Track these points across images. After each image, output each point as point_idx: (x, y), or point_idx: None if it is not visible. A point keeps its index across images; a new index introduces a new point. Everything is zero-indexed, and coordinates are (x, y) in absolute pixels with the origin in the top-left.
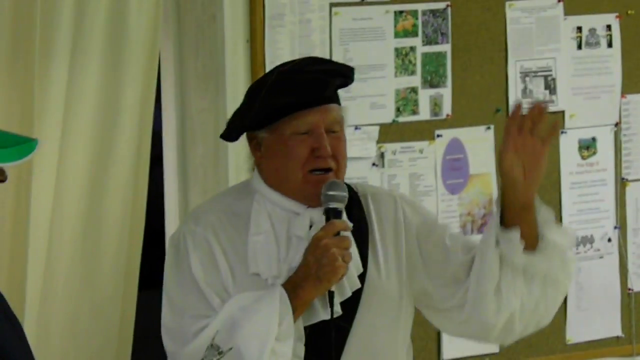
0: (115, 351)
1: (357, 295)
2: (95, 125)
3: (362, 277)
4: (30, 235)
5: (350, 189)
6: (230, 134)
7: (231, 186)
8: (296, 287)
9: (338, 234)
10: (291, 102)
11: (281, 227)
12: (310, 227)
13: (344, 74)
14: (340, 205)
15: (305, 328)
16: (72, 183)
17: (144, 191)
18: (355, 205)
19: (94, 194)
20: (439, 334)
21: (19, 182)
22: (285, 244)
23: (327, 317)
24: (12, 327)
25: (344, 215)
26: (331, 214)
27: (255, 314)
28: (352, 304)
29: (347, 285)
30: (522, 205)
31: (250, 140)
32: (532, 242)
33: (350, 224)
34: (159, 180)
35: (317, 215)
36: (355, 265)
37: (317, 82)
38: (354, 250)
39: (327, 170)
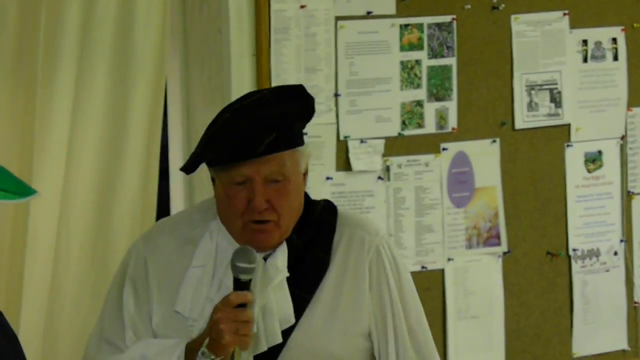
0: None
1: (276, 350)
2: (102, 139)
3: (290, 330)
4: (37, 249)
5: (331, 214)
6: (187, 165)
7: (202, 202)
8: (193, 350)
9: (244, 305)
10: (222, 157)
11: (222, 265)
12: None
13: (287, 124)
14: (247, 277)
15: None
16: (79, 197)
17: (153, 205)
18: (323, 241)
19: (101, 207)
20: (445, 347)
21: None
22: (217, 287)
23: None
24: (9, 343)
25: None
26: (239, 286)
27: None
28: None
29: (264, 340)
30: None
31: (210, 171)
32: None
33: (251, 297)
34: (165, 194)
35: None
36: (283, 318)
37: (250, 138)
38: (284, 301)
39: (265, 222)
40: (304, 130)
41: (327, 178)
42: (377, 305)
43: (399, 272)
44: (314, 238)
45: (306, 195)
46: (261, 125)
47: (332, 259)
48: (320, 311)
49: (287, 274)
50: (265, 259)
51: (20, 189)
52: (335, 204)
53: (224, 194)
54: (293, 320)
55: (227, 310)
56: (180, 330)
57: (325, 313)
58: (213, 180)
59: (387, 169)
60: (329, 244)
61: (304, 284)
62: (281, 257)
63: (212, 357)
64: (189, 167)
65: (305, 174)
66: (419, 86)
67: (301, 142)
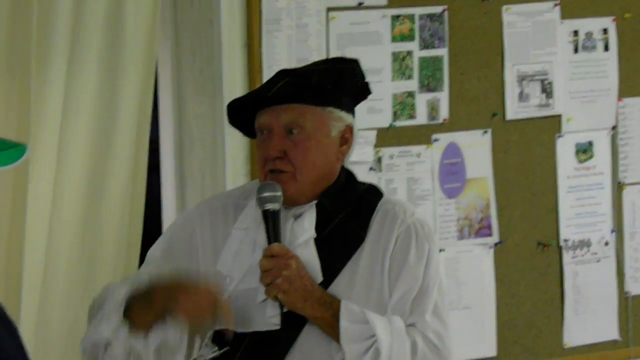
0: None
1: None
2: (92, 132)
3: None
4: (27, 243)
5: (374, 196)
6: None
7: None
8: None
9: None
10: (245, 100)
11: (261, 226)
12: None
13: (304, 75)
14: (276, 206)
15: (246, 336)
16: (69, 190)
17: (142, 198)
18: (361, 217)
19: (91, 201)
20: None
21: (15, 190)
22: (253, 246)
23: (262, 328)
24: (9, 334)
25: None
26: (267, 216)
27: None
28: (299, 317)
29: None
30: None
31: None
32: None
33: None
34: (156, 187)
35: (284, 218)
36: (311, 275)
37: (266, 84)
38: (312, 260)
39: (280, 172)
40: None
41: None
42: (393, 272)
43: (424, 253)
44: (352, 213)
45: (351, 173)
46: (281, 73)
47: (368, 234)
48: (351, 282)
49: (314, 235)
50: (295, 219)
51: (9, 145)
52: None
53: (256, 145)
54: (320, 279)
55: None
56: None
57: (357, 284)
58: None
59: (379, 160)
60: (367, 221)
61: (336, 253)
62: (308, 217)
63: (216, 348)
64: (233, 118)
65: (346, 143)
66: (410, 77)
67: (337, 105)
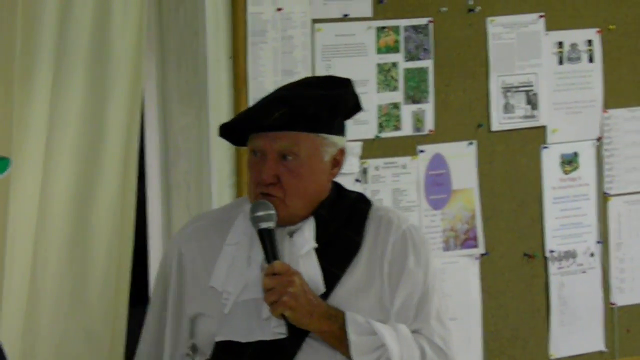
0: None
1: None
2: (80, 141)
3: (323, 298)
4: (15, 251)
5: (364, 204)
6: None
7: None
8: None
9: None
10: (240, 125)
11: (257, 241)
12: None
13: (302, 105)
14: (271, 224)
15: (250, 345)
16: (57, 201)
17: (132, 208)
18: (355, 225)
19: (80, 211)
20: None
21: None
22: (247, 261)
23: (268, 337)
24: None
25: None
26: (264, 235)
27: None
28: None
29: None
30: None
31: None
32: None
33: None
34: (141, 197)
35: (279, 237)
36: (313, 287)
37: (264, 109)
38: (314, 271)
39: (269, 196)
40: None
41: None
42: (393, 278)
43: (422, 258)
44: (346, 222)
45: (339, 185)
46: (277, 101)
47: (364, 240)
48: (351, 287)
49: (315, 245)
50: (291, 235)
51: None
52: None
53: (247, 163)
54: (323, 289)
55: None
56: (215, 305)
57: (357, 289)
58: None
59: (365, 171)
60: (361, 227)
61: (335, 261)
62: (308, 229)
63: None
64: (225, 134)
65: (337, 165)
66: (395, 88)
67: (328, 131)
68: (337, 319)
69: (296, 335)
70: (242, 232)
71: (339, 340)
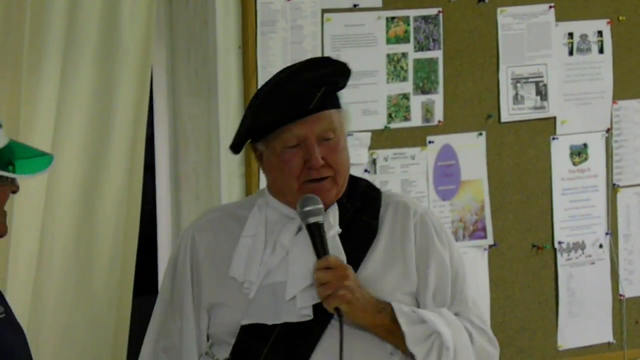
0: (110, 357)
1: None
2: (87, 132)
3: None
4: (21, 243)
5: (375, 191)
6: (234, 145)
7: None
8: None
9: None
10: (276, 119)
11: (273, 232)
12: (298, 231)
13: (334, 81)
14: (320, 218)
15: (275, 327)
16: (64, 190)
17: (138, 199)
18: (370, 210)
19: (87, 201)
20: None
21: None
22: (271, 249)
23: (294, 319)
24: (16, 335)
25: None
26: (314, 229)
27: None
28: (323, 319)
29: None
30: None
31: (253, 151)
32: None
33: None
34: (150, 187)
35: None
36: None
37: (300, 95)
38: (341, 256)
39: (322, 180)
40: None
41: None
42: (422, 259)
43: (445, 238)
44: (361, 208)
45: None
46: (309, 84)
47: (381, 224)
48: (371, 270)
49: (340, 230)
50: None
51: (39, 161)
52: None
53: (277, 161)
54: None
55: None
56: (237, 295)
57: (377, 272)
58: (260, 156)
59: (374, 162)
60: (377, 212)
61: (355, 245)
62: (332, 214)
63: (216, 357)
64: (238, 145)
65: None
66: (405, 79)
67: (341, 105)
68: (387, 311)
69: (321, 317)
70: (258, 223)
71: (390, 332)
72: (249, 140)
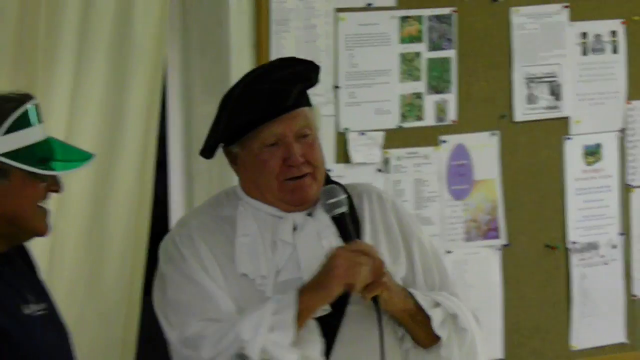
0: (120, 351)
1: (346, 294)
2: (100, 129)
3: None
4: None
5: (338, 184)
6: (205, 150)
7: (216, 194)
8: (301, 292)
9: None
10: (254, 117)
11: (266, 231)
12: (295, 229)
13: (306, 78)
14: (341, 210)
15: None
16: (76, 189)
17: (149, 196)
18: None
19: (98, 199)
20: None
21: None
22: (271, 247)
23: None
24: (57, 333)
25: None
26: (345, 219)
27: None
28: (341, 302)
29: None
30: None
31: (226, 154)
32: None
33: (371, 248)
34: (162, 186)
35: (299, 218)
36: (343, 287)
37: (276, 93)
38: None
39: (302, 177)
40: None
41: (327, 170)
42: (405, 244)
43: (415, 221)
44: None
45: None
46: (284, 82)
47: (360, 215)
48: None
49: (334, 226)
50: (309, 214)
51: (79, 156)
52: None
53: (255, 161)
54: None
55: (347, 250)
56: (251, 292)
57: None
58: (234, 158)
59: (386, 161)
60: (351, 202)
61: (348, 236)
62: (323, 213)
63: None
64: (211, 148)
65: None
66: (418, 78)
67: (311, 103)
68: (409, 296)
69: (337, 309)
70: (250, 223)
71: (412, 317)
72: (221, 144)
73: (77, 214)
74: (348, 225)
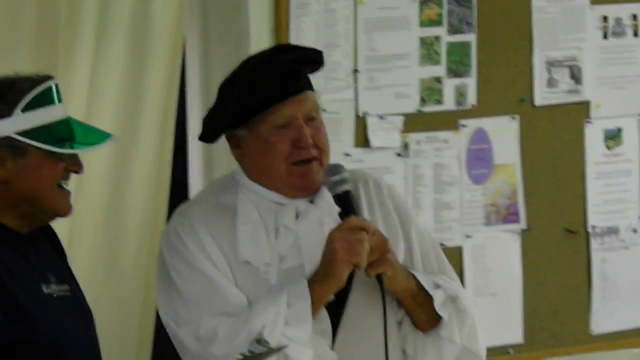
0: (137, 342)
1: (348, 280)
2: (118, 114)
3: None
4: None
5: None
6: (207, 135)
7: (214, 180)
8: (311, 282)
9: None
10: (266, 97)
11: (268, 217)
12: (297, 217)
13: (313, 60)
14: (345, 187)
15: None
16: (94, 173)
17: (167, 180)
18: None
19: (116, 183)
20: None
21: None
22: (274, 234)
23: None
24: (78, 315)
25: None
26: (349, 197)
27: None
28: (343, 290)
29: None
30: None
31: (229, 139)
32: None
33: (365, 221)
34: (181, 170)
35: (302, 205)
36: (349, 268)
37: (289, 73)
38: None
39: (311, 160)
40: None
41: (346, 154)
42: (403, 230)
43: (408, 205)
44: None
45: None
46: (294, 64)
47: (358, 202)
48: None
49: (339, 210)
50: (311, 201)
51: (98, 137)
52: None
53: (263, 144)
54: None
55: (342, 231)
56: (256, 279)
57: None
58: (238, 142)
59: (406, 145)
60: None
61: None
62: (327, 194)
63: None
64: (215, 132)
65: None
66: (438, 62)
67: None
68: (411, 276)
69: (341, 293)
70: (250, 209)
71: (414, 297)
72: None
73: (95, 198)
74: (353, 203)
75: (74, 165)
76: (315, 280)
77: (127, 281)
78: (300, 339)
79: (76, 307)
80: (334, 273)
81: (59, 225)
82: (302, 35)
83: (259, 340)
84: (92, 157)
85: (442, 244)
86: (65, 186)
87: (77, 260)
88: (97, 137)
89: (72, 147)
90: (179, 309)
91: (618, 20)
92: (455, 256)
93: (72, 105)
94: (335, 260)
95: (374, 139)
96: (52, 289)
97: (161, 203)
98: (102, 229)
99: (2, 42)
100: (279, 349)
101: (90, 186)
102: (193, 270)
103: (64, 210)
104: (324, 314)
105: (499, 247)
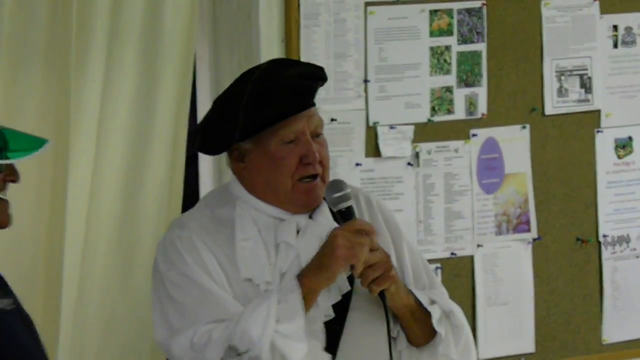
0: (151, 351)
1: (347, 297)
2: (131, 124)
3: (351, 279)
4: (67, 234)
5: None
6: (209, 147)
7: (208, 193)
8: (301, 276)
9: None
10: (279, 112)
11: (268, 234)
12: (298, 232)
13: (320, 76)
14: (347, 204)
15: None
16: (107, 182)
17: (180, 190)
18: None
19: (129, 193)
20: (474, 333)
21: (55, 183)
22: (274, 250)
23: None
24: (26, 327)
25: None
26: (352, 213)
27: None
28: (342, 307)
29: (337, 289)
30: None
31: (231, 151)
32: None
33: (371, 227)
34: (193, 179)
35: (302, 221)
36: (344, 268)
37: (301, 88)
38: None
39: (315, 176)
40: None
41: (357, 164)
42: (395, 245)
43: (397, 220)
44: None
45: None
46: (302, 79)
47: (360, 214)
48: None
49: (335, 225)
50: (310, 217)
51: (33, 144)
52: (366, 190)
53: (270, 159)
54: (350, 271)
55: (347, 230)
56: (257, 296)
57: None
58: (241, 156)
59: (417, 155)
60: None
61: None
62: (326, 209)
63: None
64: (221, 146)
65: None
66: (448, 72)
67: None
68: (410, 292)
69: (339, 313)
70: (249, 225)
71: (412, 313)
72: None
73: (108, 209)
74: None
75: (11, 174)
76: (307, 273)
77: (142, 290)
78: (293, 335)
79: (23, 319)
80: (329, 267)
81: (72, 237)
82: (312, 45)
83: (233, 347)
84: (105, 170)
85: (453, 254)
86: (3, 196)
87: (91, 271)
88: (32, 143)
89: (6, 157)
90: (173, 320)
91: (628, 30)
92: (466, 265)
93: (85, 117)
94: (334, 255)
95: (385, 148)
96: (4, 302)
97: (174, 212)
98: (115, 239)
99: (15, 55)
100: (250, 355)
101: (103, 197)
102: (190, 282)
103: (3, 222)
104: (317, 316)
105: (510, 256)
